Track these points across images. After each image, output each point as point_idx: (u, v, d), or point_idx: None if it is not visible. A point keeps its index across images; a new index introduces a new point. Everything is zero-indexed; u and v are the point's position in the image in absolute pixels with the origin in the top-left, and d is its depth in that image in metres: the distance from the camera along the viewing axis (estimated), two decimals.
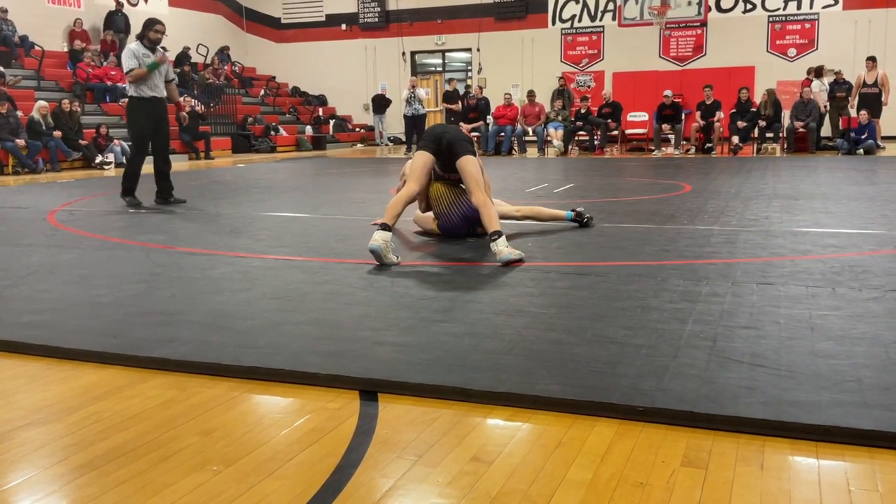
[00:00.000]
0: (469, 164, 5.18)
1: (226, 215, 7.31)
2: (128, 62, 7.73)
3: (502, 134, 17.38)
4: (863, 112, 14.81)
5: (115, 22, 19.27)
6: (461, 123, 18.01)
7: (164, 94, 7.97)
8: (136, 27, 19.94)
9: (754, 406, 2.39)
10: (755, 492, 1.97)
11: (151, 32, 7.84)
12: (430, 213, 5.76)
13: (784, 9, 19.01)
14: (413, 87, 18.17)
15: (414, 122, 17.94)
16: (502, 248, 4.63)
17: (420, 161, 5.21)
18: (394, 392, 2.66)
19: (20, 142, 13.42)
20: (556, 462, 2.14)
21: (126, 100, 8.30)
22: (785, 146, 15.61)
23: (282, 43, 24.14)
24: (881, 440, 2.20)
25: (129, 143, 8.38)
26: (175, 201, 8.11)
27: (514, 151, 17.32)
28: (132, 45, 7.90)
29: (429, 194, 5.69)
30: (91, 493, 2.02)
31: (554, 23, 20.81)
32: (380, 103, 20.64)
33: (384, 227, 4.74)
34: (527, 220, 6.00)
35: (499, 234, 4.71)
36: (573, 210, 6.03)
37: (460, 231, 5.61)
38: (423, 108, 18.19)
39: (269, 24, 24.42)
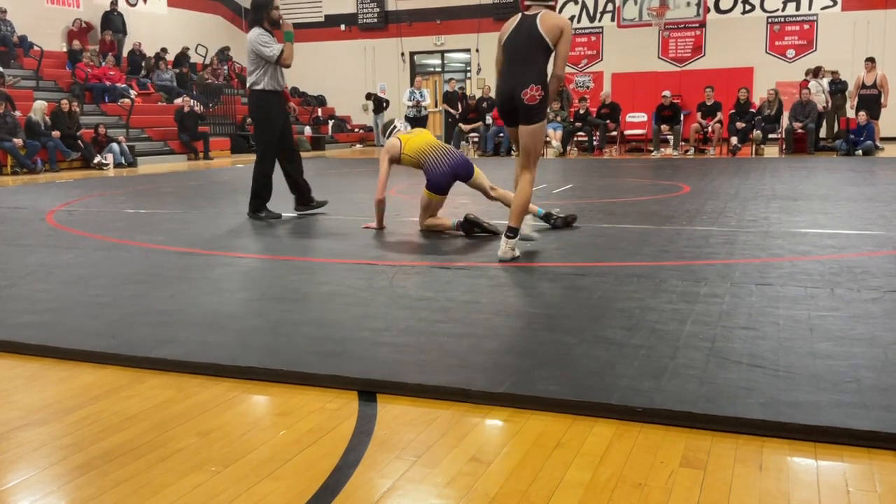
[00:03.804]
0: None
1: (224, 216, 7.31)
2: (270, 47, 6.77)
3: (501, 135, 17.38)
4: (861, 113, 14.81)
5: (113, 22, 19.27)
6: (460, 125, 18.04)
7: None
8: (132, 27, 20.13)
9: (753, 407, 2.39)
10: (754, 492, 1.97)
11: (272, 12, 6.89)
12: (434, 219, 5.88)
13: (783, 10, 19.02)
14: (418, 88, 18.19)
15: (415, 123, 17.96)
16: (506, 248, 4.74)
17: (517, 136, 4.99)
18: (392, 392, 2.66)
19: (18, 141, 13.40)
20: (554, 463, 2.14)
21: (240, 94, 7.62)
22: (784, 147, 15.63)
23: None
24: (880, 441, 2.20)
25: (257, 146, 7.29)
26: (318, 205, 7.18)
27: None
28: (257, 31, 6.87)
29: (415, 148, 5.87)
30: (89, 493, 2.02)
31: None
32: (378, 103, 20.69)
33: (512, 231, 4.74)
34: (497, 202, 6.02)
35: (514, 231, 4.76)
36: (546, 211, 6.03)
37: (446, 186, 5.81)
38: (425, 109, 18.21)
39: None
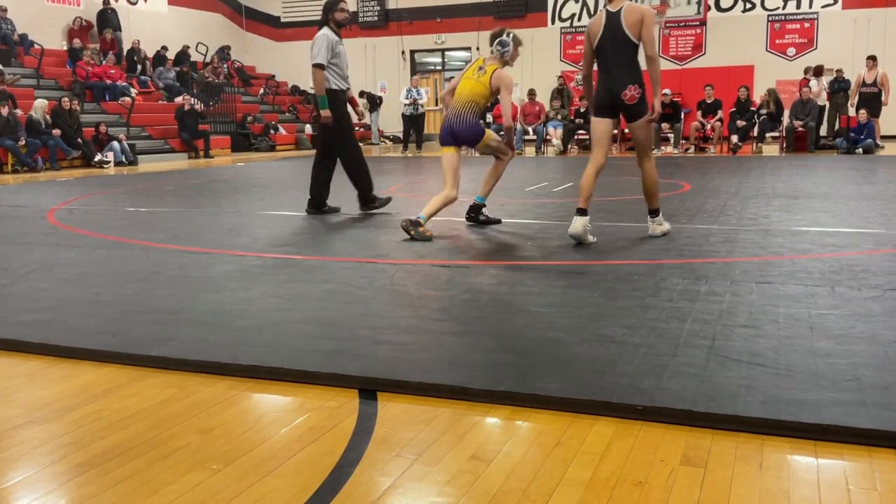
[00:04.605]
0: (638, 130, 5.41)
1: (225, 214, 7.31)
2: (320, 52, 6.67)
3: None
4: (862, 111, 14.80)
5: (109, 20, 19.24)
6: None
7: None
8: (133, 26, 20.12)
9: (753, 405, 2.39)
10: (754, 491, 1.97)
11: (336, 13, 6.85)
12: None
13: (783, 8, 19.00)
14: (415, 86, 18.18)
15: (413, 121, 17.95)
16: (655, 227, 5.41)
17: (602, 127, 5.38)
18: (393, 391, 2.66)
19: (3, 111, 13.26)
20: (555, 461, 2.14)
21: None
22: (784, 145, 15.62)
23: (281, 41, 24.11)
24: (880, 439, 2.20)
25: (337, 145, 7.02)
26: (330, 210, 7.10)
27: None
28: (325, 31, 6.81)
29: (459, 88, 5.91)
30: (90, 491, 2.02)
31: (553, 22, 20.81)
32: (372, 101, 20.74)
33: (582, 211, 5.16)
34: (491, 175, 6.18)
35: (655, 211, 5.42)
36: (484, 203, 6.15)
37: (444, 138, 5.90)
38: (422, 107, 18.18)
39: (268, 22, 24.41)
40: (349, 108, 7.12)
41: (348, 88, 7.03)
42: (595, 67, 5.39)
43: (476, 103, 5.84)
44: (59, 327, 3.45)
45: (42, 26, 18.23)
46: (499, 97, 5.90)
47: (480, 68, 5.89)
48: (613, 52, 5.19)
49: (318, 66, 6.69)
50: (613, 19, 5.17)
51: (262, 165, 14.50)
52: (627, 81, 5.16)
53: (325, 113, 6.76)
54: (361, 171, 7.00)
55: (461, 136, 5.85)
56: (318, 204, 7.10)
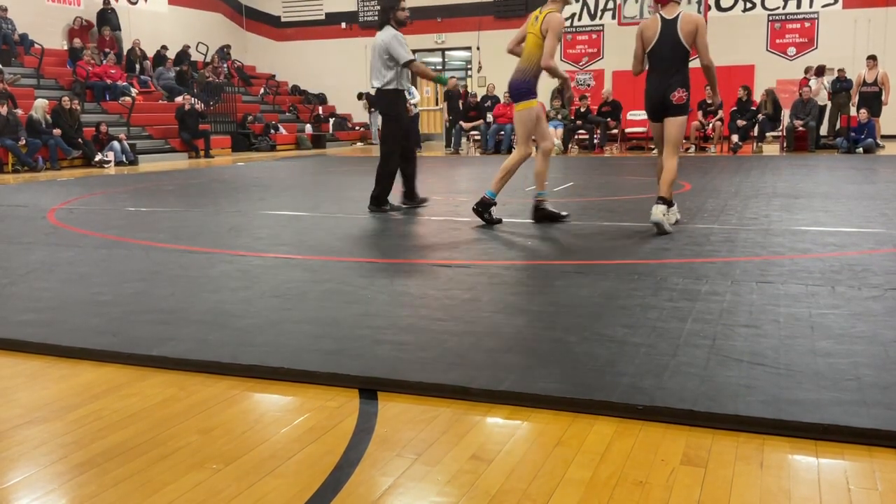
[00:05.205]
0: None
1: (225, 214, 7.31)
2: (405, 51, 6.83)
3: (502, 132, 17.38)
4: (862, 111, 14.80)
5: (108, 19, 19.23)
6: (461, 122, 18.03)
7: None
8: (133, 25, 20.11)
9: (754, 405, 2.39)
10: (754, 490, 1.97)
11: (398, 12, 7.00)
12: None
13: (784, 7, 19.00)
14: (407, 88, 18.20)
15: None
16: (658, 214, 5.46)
17: (659, 132, 5.75)
18: (393, 390, 2.66)
19: (3, 110, 13.23)
20: (555, 460, 2.14)
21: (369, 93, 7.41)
22: (784, 145, 15.62)
23: (282, 41, 24.11)
24: (880, 439, 2.20)
25: (385, 145, 7.21)
26: (421, 201, 7.37)
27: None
28: (393, 31, 6.92)
29: (525, 43, 6.04)
30: (90, 491, 2.02)
31: None
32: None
33: (663, 200, 5.49)
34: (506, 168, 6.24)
35: (664, 201, 5.52)
36: (494, 201, 6.13)
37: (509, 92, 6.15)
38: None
39: (268, 22, 24.40)
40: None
41: (405, 90, 7.22)
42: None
43: (537, 58, 5.95)
44: (59, 327, 3.45)
45: (42, 26, 18.22)
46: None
47: (537, 17, 5.95)
48: (667, 58, 5.57)
49: (410, 62, 6.91)
50: (669, 27, 5.50)
51: (263, 165, 14.50)
52: (677, 84, 5.58)
53: (453, 81, 7.13)
54: (389, 176, 7.12)
55: (513, 88, 6.01)
56: (411, 196, 7.31)
